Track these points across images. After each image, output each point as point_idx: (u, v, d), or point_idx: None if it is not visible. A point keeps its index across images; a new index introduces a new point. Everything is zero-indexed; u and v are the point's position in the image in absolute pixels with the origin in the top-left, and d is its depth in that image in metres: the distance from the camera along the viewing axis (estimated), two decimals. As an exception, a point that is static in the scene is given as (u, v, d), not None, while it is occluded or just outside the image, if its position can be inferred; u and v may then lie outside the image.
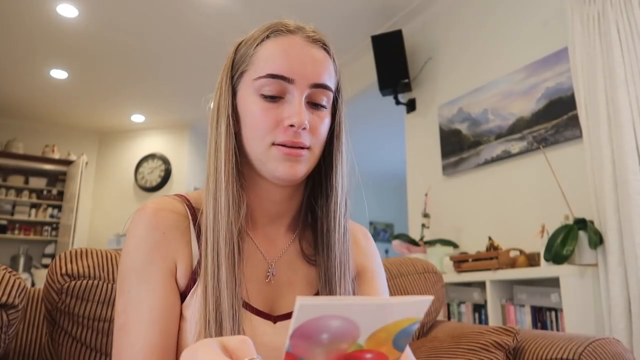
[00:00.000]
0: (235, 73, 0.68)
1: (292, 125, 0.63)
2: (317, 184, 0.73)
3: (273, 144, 0.64)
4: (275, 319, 0.66)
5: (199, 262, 0.65)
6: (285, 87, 0.64)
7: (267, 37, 0.66)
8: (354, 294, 0.71)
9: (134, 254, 0.64)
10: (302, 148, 0.64)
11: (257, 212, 0.71)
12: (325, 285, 0.69)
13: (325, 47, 0.68)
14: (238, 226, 0.64)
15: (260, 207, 0.70)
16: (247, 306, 0.65)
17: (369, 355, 0.36)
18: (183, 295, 0.65)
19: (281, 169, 0.63)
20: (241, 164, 0.67)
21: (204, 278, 0.62)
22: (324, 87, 0.65)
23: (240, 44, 0.70)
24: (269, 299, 0.68)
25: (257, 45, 0.66)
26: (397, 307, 0.34)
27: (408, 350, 0.41)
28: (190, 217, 0.68)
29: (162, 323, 0.61)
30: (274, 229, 0.72)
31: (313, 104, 0.66)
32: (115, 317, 0.64)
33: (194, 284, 0.64)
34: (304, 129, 0.63)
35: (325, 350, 0.35)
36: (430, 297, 0.35)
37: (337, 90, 0.71)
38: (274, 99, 0.64)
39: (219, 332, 0.59)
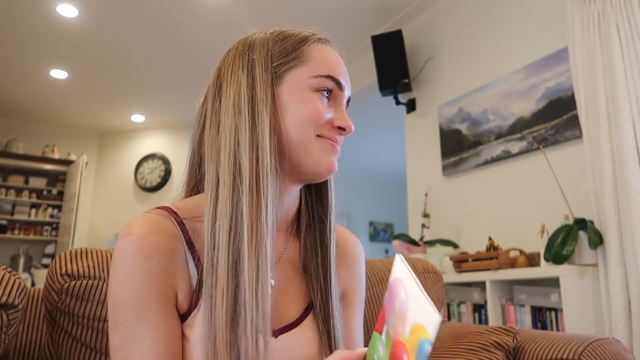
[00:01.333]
0: (278, 64, 0.66)
1: (342, 129, 0.67)
2: (310, 192, 0.74)
3: (319, 135, 0.65)
4: (275, 333, 0.63)
5: (198, 281, 0.61)
6: (336, 91, 0.67)
7: (316, 40, 0.69)
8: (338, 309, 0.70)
9: (128, 287, 0.59)
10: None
11: None
12: (318, 294, 0.68)
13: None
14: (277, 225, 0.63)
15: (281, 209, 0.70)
16: None
17: (405, 357, 0.39)
18: (184, 316, 0.62)
19: (327, 160, 0.65)
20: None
21: (224, 286, 0.56)
22: (349, 102, 0.71)
23: (269, 40, 0.68)
24: None
25: (306, 44, 0.67)
26: (428, 308, 0.38)
27: None
28: (181, 234, 0.63)
29: (168, 354, 0.58)
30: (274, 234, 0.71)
31: None
32: (111, 352, 0.60)
33: (197, 303, 0.61)
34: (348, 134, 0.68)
35: (394, 321, 0.40)
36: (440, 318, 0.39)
37: None
38: (327, 97, 0.67)
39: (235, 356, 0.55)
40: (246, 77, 0.64)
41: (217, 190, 0.61)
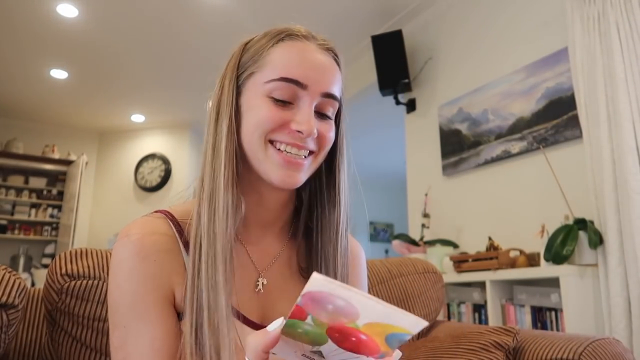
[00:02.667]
0: (241, 73, 0.66)
1: (300, 132, 0.62)
2: (315, 194, 0.72)
3: (271, 141, 0.63)
4: None
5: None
6: (296, 92, 0.62)
7: (281, 39, 0.65)
8: None
9: (126, 287, 0.60)
10: (305, 156, 0.64)
11: (250, 219, 0.68)
12: None
13: (335, 58, 0.68)
14: (234, 231, 0.62)
15: (253, 213, 0.68)
16: (239, 316, 0.62)
17: (363, 336, 0.39)
18: (181, 314, 0.62)
19: (278, 175, 0.62)
20: (239, 166, 0.65)
21: (196, 283, 0.59)
22: (333, 97, 0.65)
23: (247, 44, 0.68)
24: (260, 309, 0.66)
25: (269, 47, 0.65)
26: (396, 316, 0.37)
27: (398, 352, 0.42)
28: (177, 235, 0.64)
29: (166, 352, 0.59)
30: (265, 236, 0.70)
31: (320, 114, 0.65)
32: (111, 351, 0.61)
33: None
34: (311, 136, 0.63)
35: (329, 316, 0.39)
36: (426, 323, 0.38)
37: (341, 101, 0.70)
38: (284, 103, 0.62)
39: (215, 339, 0.56)
40: (219, 89, 0.66)
41: (197, 198, 0.64)
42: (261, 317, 0.66)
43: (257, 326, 0.64)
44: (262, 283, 0.67)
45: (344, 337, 0.40)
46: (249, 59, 0.66)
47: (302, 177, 0.64)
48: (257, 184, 0.66)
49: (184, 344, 0.59)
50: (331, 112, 0.66)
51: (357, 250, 0.79)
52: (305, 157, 0.64)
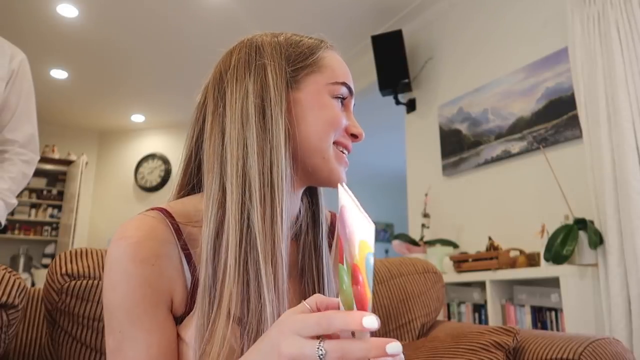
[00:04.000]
0: (296, 68, 0.65)
1: (355, 136, 0.68)
2: (308, 196, 0.75)
3: (334, 142, 0.66)
4: None
5: (193, 284, 0.61)
6: (348, 99, 0.69)
7: (328, 46, 0.70)
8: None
9: (122, 292, 0.58)
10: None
11: None
12: (306, 296, 0.68)
13: None
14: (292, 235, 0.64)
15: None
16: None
17: (360, 278, 0.41)
18: (180, 318, 0.61)
19: (339, 171, 0.66)
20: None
21: (243, 294, 0.57)
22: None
23: (288, 39, 0.67)
24: None
25: (321, 50, 0.68)
26: (364, 222, 0.41)
27: (398, 345, 0.45)
28: (176, 238, 0.61)
29: (163, 358, 0.58)
30: None
31: None
32: (107, 353, 0.59)
33: (192, 306, 0.61)
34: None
35: (348, 246, 0.43)
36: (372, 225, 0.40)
37: None
38: (343, 104, 0.68)
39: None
40: (254, 83, 0.62)
41: (223, 204, 0.60)
42: None
43: None
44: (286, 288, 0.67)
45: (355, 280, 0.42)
46: (304, 57, 0.66)
47: None
48: (295, 185, 0.66)
49: (184, 350, 0.58)
50: None
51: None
52: None
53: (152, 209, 0.63)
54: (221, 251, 0.58)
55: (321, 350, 0.41)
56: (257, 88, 0.62)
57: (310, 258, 0.70)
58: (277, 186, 0.59)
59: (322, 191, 0.75)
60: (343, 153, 0.67)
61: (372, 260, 0.39)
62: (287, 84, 0.63)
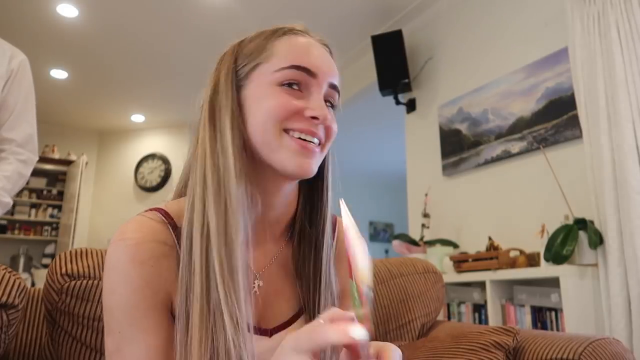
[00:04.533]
0: (242, 67, 0.65)
1: (315, 118, 0.61)
2: (308, 195, 0.71)
3: (286, 130, 0.61)
4: (270, 332, 0.64)
5: None
6: (307, 81, 0.63)
7: (284, 33, 0.66)
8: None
9: (121, 293, 0.58)
10: (317, 144, 0.63)
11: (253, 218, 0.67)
12: (309, 300, 0.66)
13: (330, 54, 0.69)
14: (252, 225, 0.60)
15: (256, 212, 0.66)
16: None
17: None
18: None
19: (294, 162, 0.60)
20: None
21: (202, 292, 0.56)
22: (336, 88, 0.66)
23: (242, 42, 0.68)
24: (257, 310, 0.64)
25: (273, 40, 0.65)
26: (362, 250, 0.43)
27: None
28: (175, 239, 0.62)
29: (162, 359, 0.58)
30: (265, 238, 0.68)
31: (327, 102, 0.65)
32: (106, 354, 0.60)
33: None
34: (324, 121, 0.62)
35: (354, 264, 0.44)
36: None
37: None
38: (295, 91, 0.62)
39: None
40: (211, 90, 0.65)
41: (192, 201, 0.61)
42: (258, 319, 0.64)
43: (262, 331, 0.63)
44: (258, 285, 0.66)
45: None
46: (250, 52, 0.65)
47: (314, 165, 0.63)
48: (263, 181, 0.64)
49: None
50: (335, 102, 0.67)
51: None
52: (317, 144, 0.63)
53: (150, 210, 0.64)
54: (192, 245, 0.58)
55: None
56: (211, 94, 0.64)
57: (306, 259, 0.68)
58: (223, 185, 0.59)
59: (325, 190, 0.69)
60: (304, 140, 0.61)
61: (371, 294, 0.42)
62: (235, 85, 0.64)
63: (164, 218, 0.63)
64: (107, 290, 0.59)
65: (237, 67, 0.65)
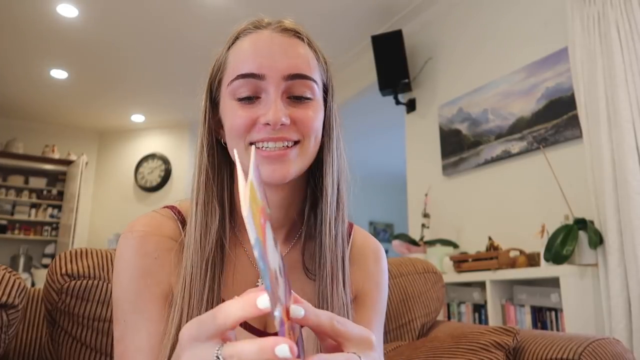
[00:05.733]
0: (213, 82, 0.67)
1: (267, 124, 0.58)
2: (313, 195, 0.68)
3: (250, 144, 0.60)
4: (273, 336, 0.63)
5: None
6: (258, 85, 0.60)
7: (237, 38, 0.65)
8: (348, 314, 0.64)
9: (126, 283, 0.61)
10: (289, 147, 0.60)
11: None
12: (320, 299, 0.63)
13: (298, 35, 0.64)
14: (216, 236, 0.61)
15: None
16: (242, 324, 0.59)
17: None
18: None
19: (265, 172, 0.59)
20: (233, 173, 0.67)
21: (182, 285, 0.59)
22: (301, 77, 0.60)
23: (221, 51, 0.69)
24: (263, 316, 0.63)
25: (226, 51, 0.65)
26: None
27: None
28: (182, 233, 0.64)
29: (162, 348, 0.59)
30: None
31: (295, 97, 0.61)
32: (114, 343, 0.62)
33: None
34: (283, 125, 0.58)
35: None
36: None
37: (326, 84, 0.66)
38: (249, 99, 0.60)
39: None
40: (203, 100, 0.68)
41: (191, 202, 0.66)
42: (265, 323, 0.64)
43: (257, 331, 0.63)
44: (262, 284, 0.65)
45: None
46: (218, 66, 0.66)
47: (290, 169, 0.60)
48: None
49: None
50: (309, 93, 0.61)
51: (373, 247, 0.74)
52: (288, 146, 0.60)
53: (164, 207, 0.68)
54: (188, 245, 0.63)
55: (219, 352, 0.36)
56: (201, 105, 0.68)
57: (316, 261, 0.65)
58: (195, 190, 0.63)
59: (325, 189, 0.65)
60: (264, 149, 0.59)
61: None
62: (209, 101, 0.67)
63: (174, 214, 0.67)
64: (114, 280, 0.63)
65: (210, 83, 0.67)
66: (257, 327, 0.63)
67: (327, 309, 0.62)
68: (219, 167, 0.65)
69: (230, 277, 0.64)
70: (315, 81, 0.62)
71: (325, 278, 0.63)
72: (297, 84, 0.60)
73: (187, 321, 0.56)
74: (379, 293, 0.72)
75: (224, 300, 0.58)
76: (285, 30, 0.63)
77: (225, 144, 0.65)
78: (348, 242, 0.71)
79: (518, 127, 2.67)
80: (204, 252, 0.60)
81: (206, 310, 0.57)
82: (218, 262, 0.61)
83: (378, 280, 0.72)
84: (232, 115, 0.61)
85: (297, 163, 0.61)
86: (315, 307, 0.60)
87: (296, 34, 0.63)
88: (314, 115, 0.61)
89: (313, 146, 0.62)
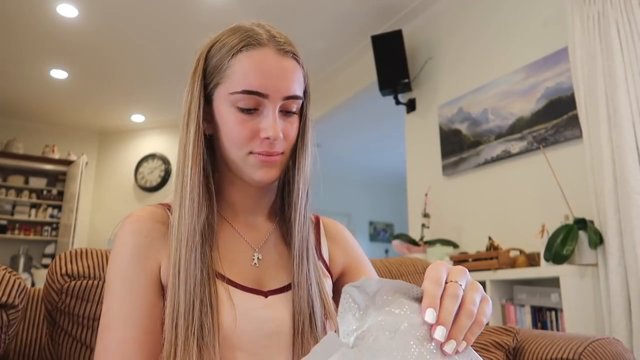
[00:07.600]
0: (209, 82, 0.72)
1: (267, 138, 0.68)
2: (287, 180, 0.80)
3: (250, 152, 0.69)
4: (266, 294, 0.71)
5: None
6: (260, 101, 0.68)
7: (240, 50, 0.69)
8: (318, 284, 0.74)
9: (119, 258, 0.68)
10: (277, 154, 0.70)
11: (238, 204, 0.77)
12: (297, 273, 0.73)
13: (295, 57, 0.72)
14: (200, 227, 0.68)
15: (240, 200, 0.77)
16: (235, 284, 0.69)
17: None
18: (165, 287, 0.69)
19: (258, 174, 0.70)
20: (217, 164, 0.75)
21: (172, 277, 0.66)
22: (295, 97, 0.70)
23: (210, 51, 0.73)
24: (258, 280, 0.72)
25: (230, 58, 0.69)
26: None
27: None
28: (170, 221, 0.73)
29: (145, 321, 0.65)
30: (255, 219, 0.79)
31: (285, 112, 0.71)
32: (100, 318, 0.67)
33: None
34: (278, 139, 0.69)
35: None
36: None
37: (306, 92, 0.75)
38: (249, 111, 0.68)
39: (190, 302, 0.63)
40: (187, 94, 0.74)
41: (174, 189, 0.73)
42: (258, 284, 0.72)
43: (257, 292, 0.70)
44: (258, 257, 0.74)
45: None
46: (214, 69, 0.71)
47: (276, 173, 0.71)
48: (237, 180, 0.75)
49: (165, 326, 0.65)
50: (295, 108, 0.72)
51: (338, 227, 0.87)
52: (278, 154, 0.71)
53: (158, 204, 0.77)
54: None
55: None
56: (188, 100, 0.73)
57: (287, 237, 0.77)
58: (185, 184, 0.70)
59: (295, 176, 0.76)
60: (264, 155, 0.69)
61: None
62: (202, 98, 0.72)
63: (165, 208, 0.76)
64: (111, 258, 0.70)
65: (205, 82, 0.72)
66: (250, 286, 0.70)
67: (299, 282, 0.72)
68: (203, 153, 0.71)
69: (221, 250, 0.72)
70: (302, 99, 0.72)
71: (296, 249, 0.74)
72: (290, 102, 0.70)
73: (181, 294, 0.63)
74: (366, 261, 0.84)
75: (216, 272, 0.68)
76: (286, 52, 0.70)
77: (209, 135, 0.74)
78: (319, 228, 0.84)
79: (518, 127, 2.67)
80: (195, 231, 0.67)
81: (200, 281, 0.65)
82: (207, 238, 0.69)
83: (358, 251, 0.86)
84: (234, 124, 0.69)
85: (280, 168, 0.72)
86: (296, 270, 0.72)
87: (294, 56, 0.72)
88: (295, 128, 0.72)
89: (289, 153, 0.74)
